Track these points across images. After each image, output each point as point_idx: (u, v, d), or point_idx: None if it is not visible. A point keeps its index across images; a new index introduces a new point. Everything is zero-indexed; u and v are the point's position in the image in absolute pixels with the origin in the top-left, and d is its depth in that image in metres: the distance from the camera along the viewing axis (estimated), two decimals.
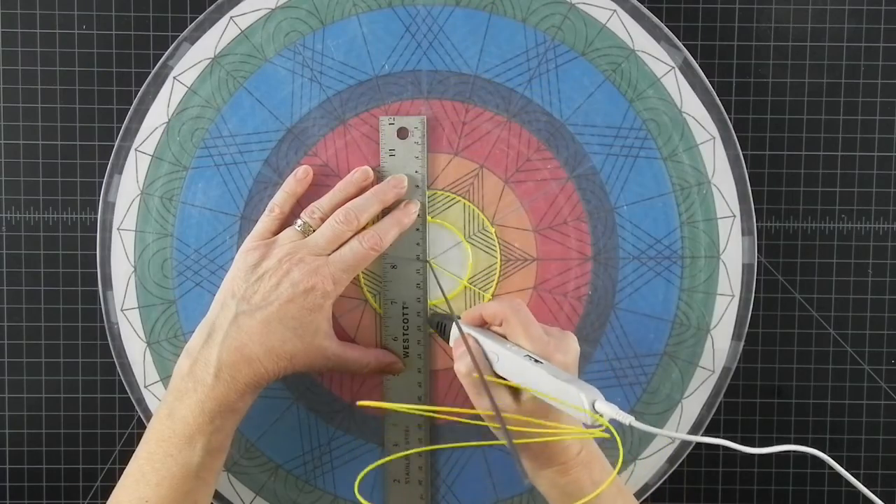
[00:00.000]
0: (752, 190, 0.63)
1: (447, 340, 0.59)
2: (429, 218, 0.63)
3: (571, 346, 0.55)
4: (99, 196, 0.63)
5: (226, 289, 0.58)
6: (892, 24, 0.64)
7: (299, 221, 0.60)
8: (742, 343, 0.63)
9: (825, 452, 0.65)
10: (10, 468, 0.65)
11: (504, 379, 0.53)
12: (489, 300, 0.63)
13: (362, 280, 0.63)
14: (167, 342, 0.64)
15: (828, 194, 0.64)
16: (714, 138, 0.62)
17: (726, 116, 0.62)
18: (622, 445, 0.55)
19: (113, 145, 0.63)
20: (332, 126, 0.63)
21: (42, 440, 0.65)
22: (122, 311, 0.63)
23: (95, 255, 0.63)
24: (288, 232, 0.60)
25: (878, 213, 0.64)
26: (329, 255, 0.58)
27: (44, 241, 0.64)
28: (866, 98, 0.64)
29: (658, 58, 0.62)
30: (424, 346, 0.63)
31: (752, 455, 0.65)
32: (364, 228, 0.60)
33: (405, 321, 0.63)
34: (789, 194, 0.64)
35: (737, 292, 0.63)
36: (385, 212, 0.62)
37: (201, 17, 0.62)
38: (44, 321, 0.64)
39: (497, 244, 0.63)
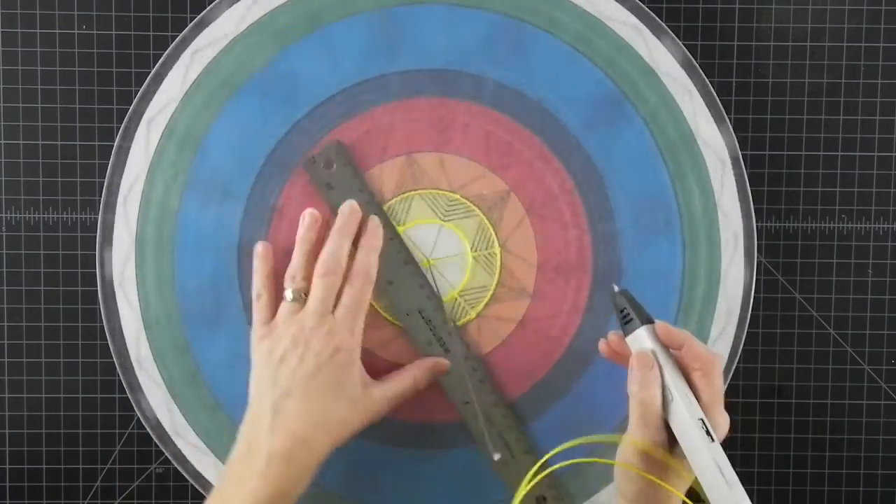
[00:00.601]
0: (752, 190, 0.63)
1: (623, 328, 0.56)
2: (417, 221, 0.62)
3: (726, 423, 0.54)
4: (99, 196, 0.63)
5: (256, 383, 0.58)
6: (892, 24, 0.64)
7: (288, 293, 0.59)
8: (742, 343, 0.63)
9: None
10: (10, 468, 0.65)
11: (668, 422, 0.53)
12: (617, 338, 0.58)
13: (376, 306, 0.62)
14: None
15: (828, 194, 0.64)
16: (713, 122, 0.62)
17: (702, 74, 0.62)
18: None
19: (113, 145, 0.63)
20: (286, 177, 0.62)
21: (42, 440, 0.65)
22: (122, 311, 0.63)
23: (95, 255, 0.63)
24: (284, 309, 0.59)
25: (878, 213, 0.64)
26: (332, 312, 0.58)
27: (44, 241, 0.64)
28: (866, 98, 0.64)
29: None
30: (456, 333, 0.62)
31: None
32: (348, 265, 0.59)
33: (428, 322, 0.62)
34: (789, 194, 0.64)
35: (737, 292, 0.63)
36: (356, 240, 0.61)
37: (164, 55, 0.62)
38: (44, 321, 0.64)
39: (498, 267, 0.63)
